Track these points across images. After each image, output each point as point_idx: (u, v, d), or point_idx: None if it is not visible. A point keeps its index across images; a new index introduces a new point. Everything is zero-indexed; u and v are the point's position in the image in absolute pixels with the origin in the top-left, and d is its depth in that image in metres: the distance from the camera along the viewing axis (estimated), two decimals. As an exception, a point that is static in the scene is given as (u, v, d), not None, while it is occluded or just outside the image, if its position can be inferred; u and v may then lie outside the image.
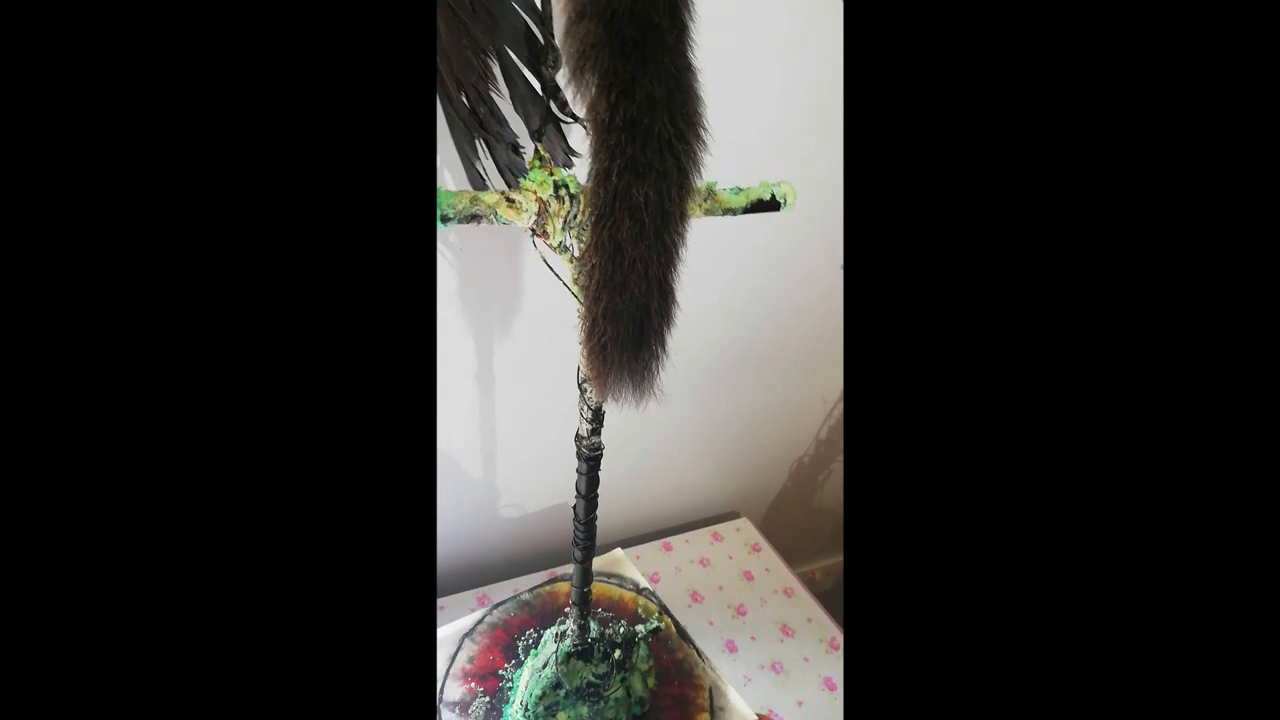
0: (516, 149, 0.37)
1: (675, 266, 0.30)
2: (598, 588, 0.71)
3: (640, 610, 0.70)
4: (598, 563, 0.76)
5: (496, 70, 0.34)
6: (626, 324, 0.30)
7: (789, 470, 1.08)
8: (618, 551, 0.79)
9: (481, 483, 0.78)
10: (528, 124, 0.35)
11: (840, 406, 1.04)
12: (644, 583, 0.74)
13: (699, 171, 0.28)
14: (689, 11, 0.26)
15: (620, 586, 0.73)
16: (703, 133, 0.28)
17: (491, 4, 0.32)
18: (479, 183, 0.39)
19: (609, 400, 0.34)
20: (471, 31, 0.31)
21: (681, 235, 0.29)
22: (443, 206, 0.36)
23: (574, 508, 0.49)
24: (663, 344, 0.32)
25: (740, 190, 0.41)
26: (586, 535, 0.49)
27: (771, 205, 0.42)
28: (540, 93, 0.34)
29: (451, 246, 0.59)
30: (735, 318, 0.81)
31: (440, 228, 0.36)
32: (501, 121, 0.35)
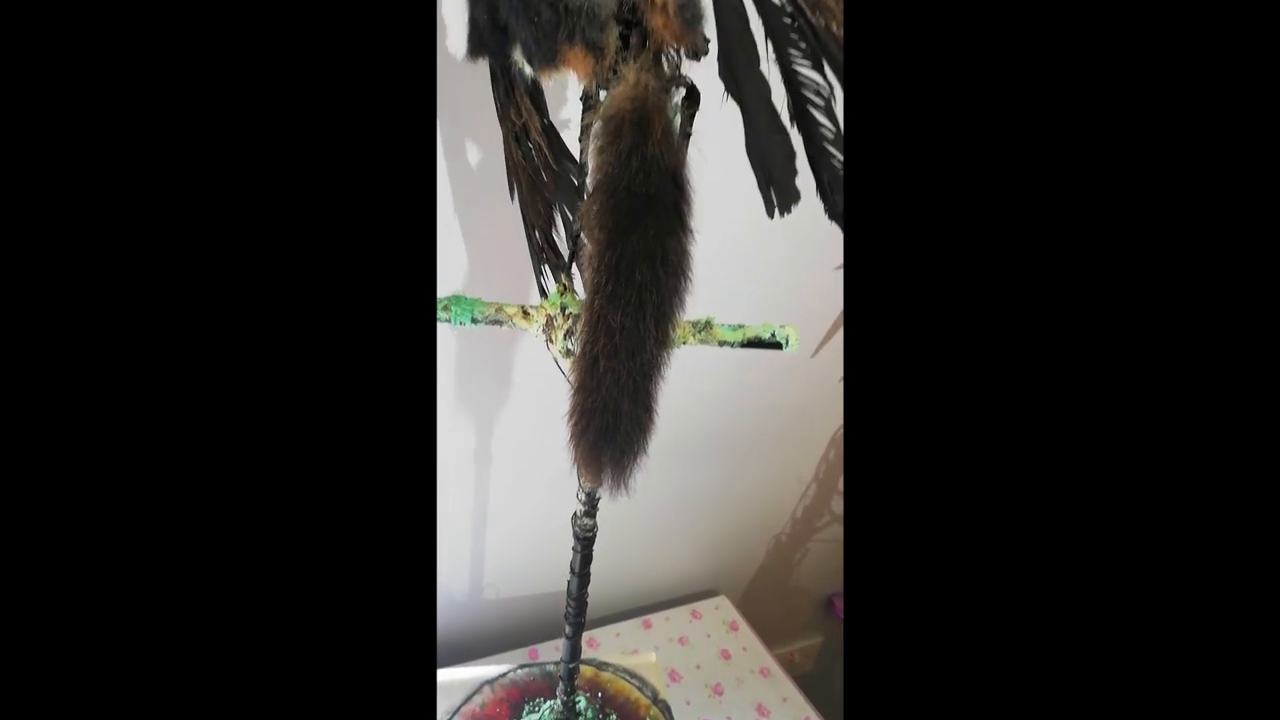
0: (569, 273, 0.47)
1: (650, 379, 0.36)
2: (617, 684, 0.74)
3: (647, 718, 0.72)
4: (630, 660, 0.79)
5: (558, 216, 0.45)
6: (598, 420, 0.37)
7: (766, 548, 1.12)
8: (651, 656, 0.81)
9: (469, 559, 0.81)
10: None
11: (815, 487, 1.09)
12: (663, 695, 0.76)
13: (680, 306, 0.36)
14: (685, 186, 0.34)
15: (640, 690, 0.76)
16: (682, 278, 0.35)
17: (557, 176, 0.43)
18: (541, 294, 0.48)
19: (592, 484, 0.40)
20: (543, 191, 0.43)
21: (658, 356, 0.36)
22: (474, 311, 0.45)
23: (568, 583, 0.53)
24: (637, 441, 0.38)
25: (739, 327, 0.45)
26: (577, 611, 0.53)
27: (771, 344, 0.44)
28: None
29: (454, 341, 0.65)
30: (712, 399, 0.86)
31: (470, 326, 0.45)
32: (558, 253, 0.46)
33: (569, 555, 0.53)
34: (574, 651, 0.54)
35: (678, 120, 0.35)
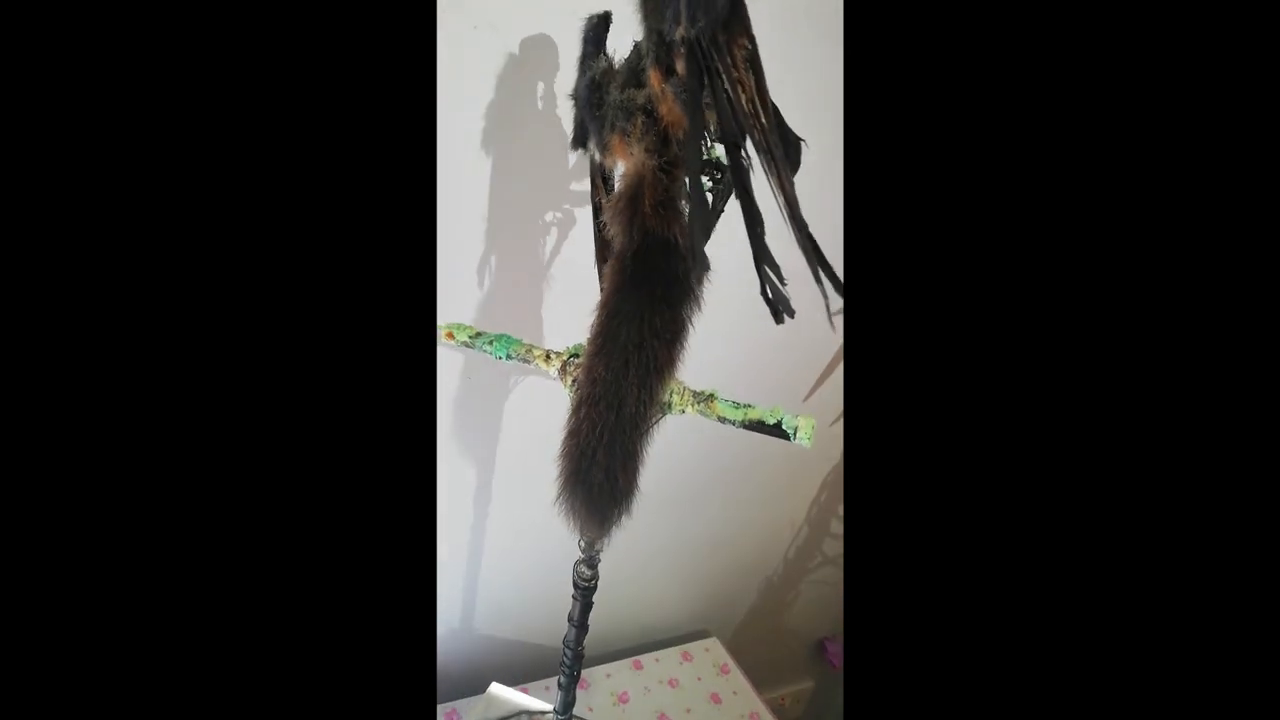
0: None
1: (630, 435, 0.38)
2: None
3: None
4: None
5: None
6: (571, 462, 0.39)
7: (758, 589, 1.11)
8: None
9: (460, 592, 0.80)
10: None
11: (807, 529, 1.09)
12: None
13: (669, 369, 0.37)
14: (690, 257, 0.35)
15: None
16: (675, 343, 0.37)
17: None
18: None
19: (572, 527, 0.41)
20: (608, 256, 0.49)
21: (642, 414, 0.38)
22: (509, 348, 0.47)
23: (566, 633, 0.52)
24: (612, 491, 0.39)
25: (743, 406, 0.41)
26: (573, 661, 0.52)
27: (777, 433, 0.39)
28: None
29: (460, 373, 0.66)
30: (705, 441, 0.86)
31: (503, 360, 0.47)
32: None
33: (562, 593, 0.52)
34: (567, 704, 0.54)
35: (710, 196, 0.37)
